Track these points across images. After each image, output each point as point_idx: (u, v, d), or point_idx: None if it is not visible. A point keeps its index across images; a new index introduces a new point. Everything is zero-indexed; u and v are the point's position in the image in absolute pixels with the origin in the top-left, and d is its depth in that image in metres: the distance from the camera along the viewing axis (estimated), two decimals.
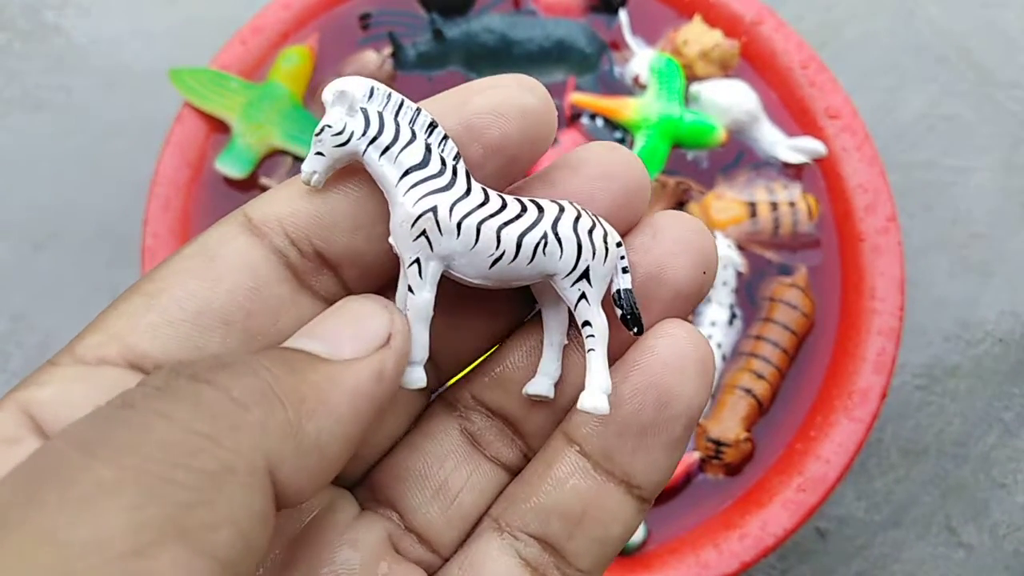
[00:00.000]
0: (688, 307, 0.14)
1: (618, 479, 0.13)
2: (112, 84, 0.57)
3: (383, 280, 0.13)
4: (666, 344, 0.13)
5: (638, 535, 0.39)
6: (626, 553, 0.40)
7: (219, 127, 0.47)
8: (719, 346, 0.43)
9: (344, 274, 0.13)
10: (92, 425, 0.09)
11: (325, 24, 0.50)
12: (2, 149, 0.56)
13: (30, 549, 0.08)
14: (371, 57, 0.48)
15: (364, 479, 0.14)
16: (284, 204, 0.12)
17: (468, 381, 0.14)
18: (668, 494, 0.42)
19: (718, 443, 0.41)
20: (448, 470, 0.14)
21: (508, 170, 0.13)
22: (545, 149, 0.13)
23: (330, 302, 0.13)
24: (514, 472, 0.14)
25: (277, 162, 0.47)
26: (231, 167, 0.46)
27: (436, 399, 0.15)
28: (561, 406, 0.14)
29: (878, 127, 0.50)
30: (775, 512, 0.40)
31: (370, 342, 0.12)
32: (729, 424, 0.41)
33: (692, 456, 0.41)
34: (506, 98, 0.12)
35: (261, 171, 0.47)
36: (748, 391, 0.42)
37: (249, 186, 0.46)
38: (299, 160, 0.46)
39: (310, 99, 0.48)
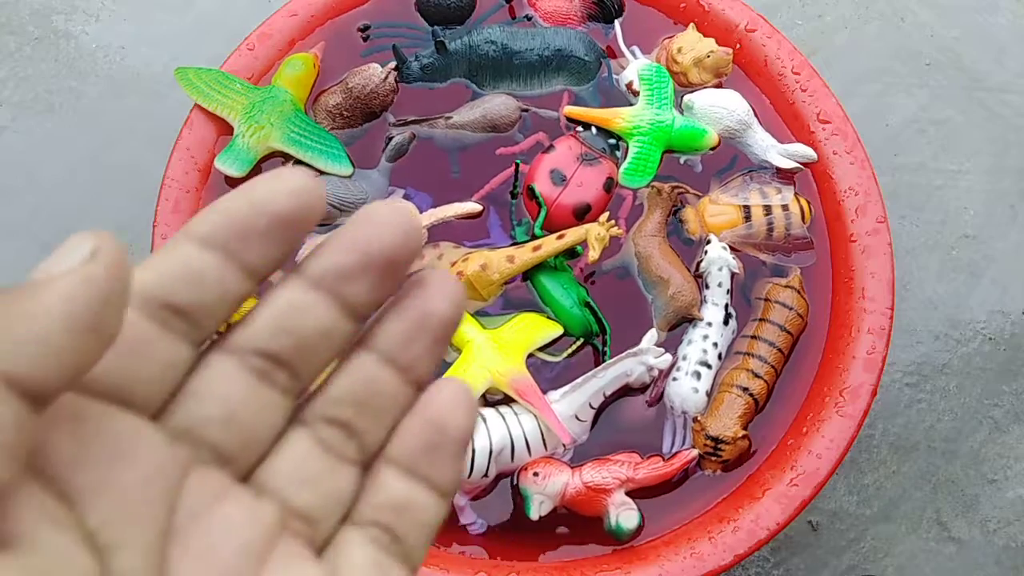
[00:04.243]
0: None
1: (421, 481, 0.17)
2: (121, 88, 0.59)
3: (223, 319, 0.16)
4: (440, 393, 0.17)
5: (632, 523, 0.40)
6: (622, 543, 0.41)
7: (227, 130, 0.48)
8: (715, 346, 0.44)
9: (193, 318, 0.15)
10: None
11: (331, 32, 0.51)
12: (12, 152, 0.57)
13: None
14: (375, 70, 0.48)
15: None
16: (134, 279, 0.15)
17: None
18: (665, 488, 0.43)
19: (716, 440, 0.42)
20: (313, 463, 0.17)
21: (291, 236, 0.15)
22: (319, 216, 0.16)
23: (189, 339, 0.16)
24: (359, 467, 0.17)
25: (276, 165, 0.48)
26: (230, 166, 0.47)
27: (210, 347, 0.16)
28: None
29: (869, 131, 0.51)
30: (768, 506, 0.41)
31: (74, 258, 0.13)
32: (727, 422, 0.42)
33: (691, 453, 0.42)
34: (283, 180, 0.15)
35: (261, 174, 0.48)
36: (745, 390, 0.43)
37: None
38: (298, 163, 0.48)
39: (311, 104, 0.50)
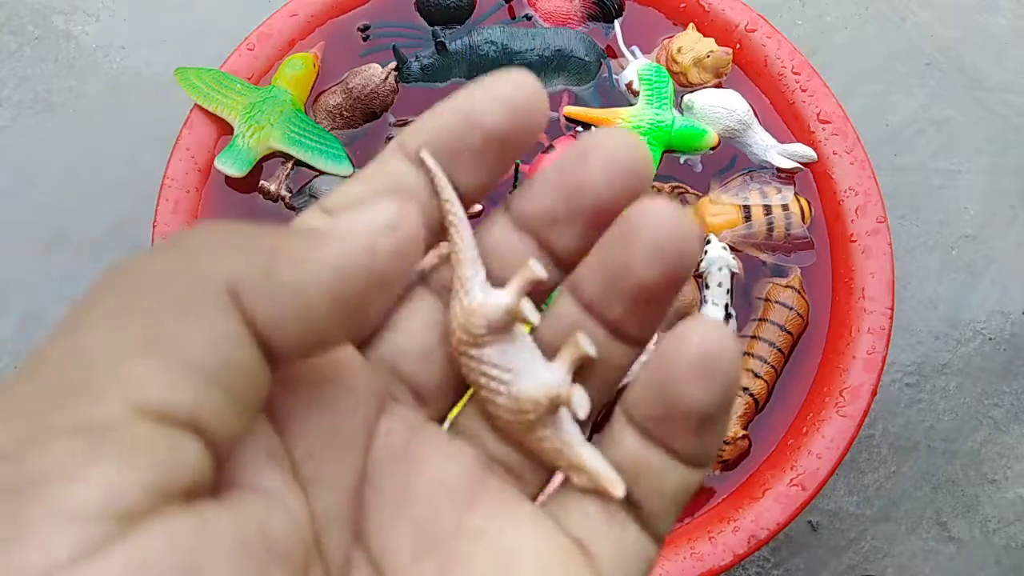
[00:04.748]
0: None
1: (662, 449, 0.14)
2: (121, 88, 0.59)
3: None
4: (673, 345, 0.14)
5: None
6: None
7: (227, 130, 0.48)
8: None
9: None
10: (92, 288, 0.11)
11: (331, 32, 0.51)
12: (13, 152, 0.57)
13: (32, 373, 0.10)
14: (376, 70, 0.48)
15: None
16: (348, 194, 0.15)
17: None
18: None
19: None
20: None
21: (504, 154, 0.14)
22: (537, 135, 0.14)
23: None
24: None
25: (276, 165, 0.48)
26: (230, 165, 0.47)
27: None
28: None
29: (869, 131, 0.51)
30: (768, 506, 0.41)
31: (371, 223, 0.13)
32: None
33: None
34: (500, 92, 0.14)
35: (262, 175, 0.48)
36: (745, 389, 0.43)
37: (250, 187, 0.48)
38: (299, 163, 0.48)
39: (311, 105, 0.50)
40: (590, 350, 0.15)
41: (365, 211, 0.13)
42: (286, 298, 0.11)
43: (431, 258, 0.16)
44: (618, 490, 0.14)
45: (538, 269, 0.15)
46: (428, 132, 0.14)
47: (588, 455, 0.14)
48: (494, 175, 0.15)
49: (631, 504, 0.14)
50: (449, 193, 0.15)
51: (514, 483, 0.15)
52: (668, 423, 0.14)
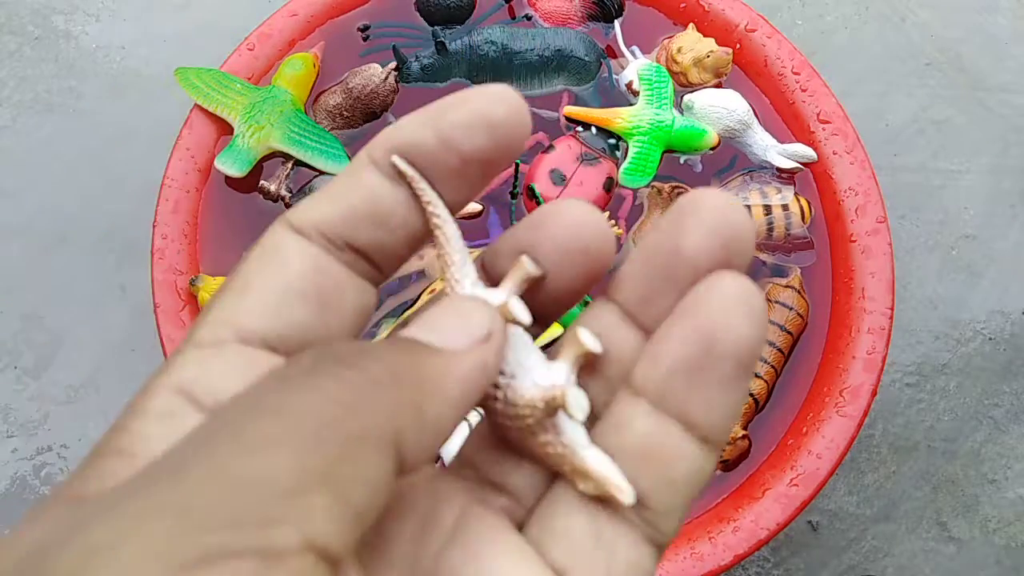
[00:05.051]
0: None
1: (675, 418, 0.14)
2: (121, 88, 0.59)
3: (401, 262, 0.15)
4: (711, 292, 0.13)
5: None
6: None
7: (227, 130, 0.48)
8: None
9: (374, 260, 0.14)
10: (254, 394, 0.11)
11: (330, 32, 0.51)
12: (13, 152, 0.57)
13: (207, 481, 0.10)
14: (376, 70, 0.48)
15: None
16: (315, 211, 0.14)
17: None
18: None
19: None
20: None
21: (485, 174, 0.14)
22: (520, 150, 0.14)
23: (373, 281, 0.15)
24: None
25: (276, 165, 0.48)
26: (230, 166, 0.47)
27: None
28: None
29: (869, 131, 0.51)
30: (768, 506, 0.41)
31: (474, 337, 0.13)
32: None
33: None
34: (478, 110, 0.14)
35: (261, 174, 0.48)
36: None
37: (250, 187, 0.48)
38: (299, 163, 0.48)
39: (311, 104, 0.50)
40: (594, 346, 0.14)
41: (461, 321, 0.13)
42: (432, 434, 0.12)
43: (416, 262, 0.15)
44: (627, 497, 0.13)
45: (531, 266, 0.14)
46: (400, 148, 0.14)
47: (593, 459, 0.14)
48: (475, 191, 0.15)
49: (638, 502, 0.14)
50: (430, 195, 0.14)
51: (505, 504, 0.15)
52: (700, 374, 0.13)
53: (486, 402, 0.14)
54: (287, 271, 0.14)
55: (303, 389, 0.11)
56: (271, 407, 0.11)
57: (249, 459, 0.10)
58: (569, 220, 0.14)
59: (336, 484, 0.10)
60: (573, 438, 0.14)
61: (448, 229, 0.15)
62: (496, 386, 0.14)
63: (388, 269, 0.15)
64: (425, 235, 0.15)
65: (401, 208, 0.14)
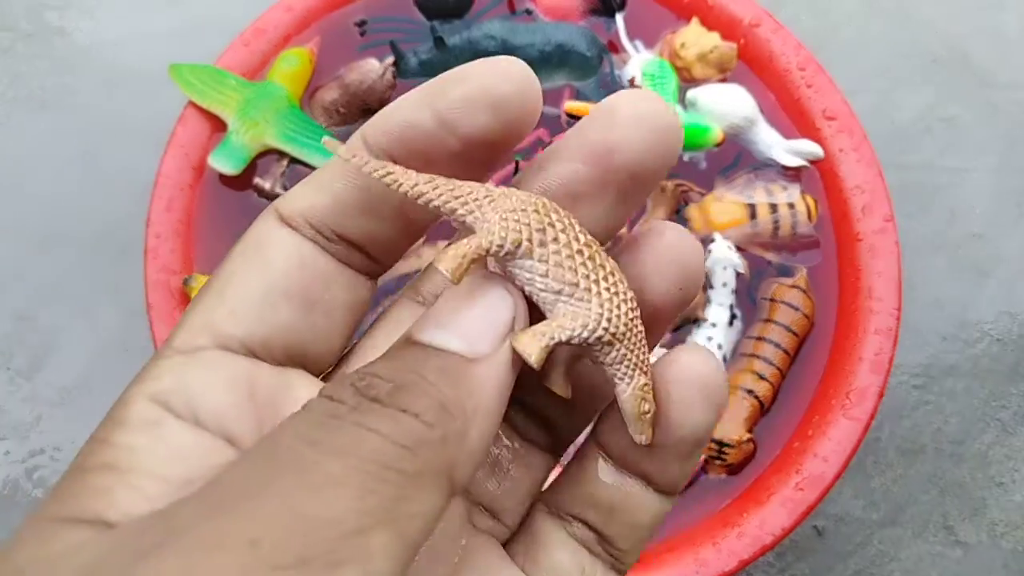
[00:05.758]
0: (666, 324, 0.15)
1: (639, 477, 0.15)
2: (115, 85, 0.58)
3: (400, 253, 0.14)
4: (674, 371, 0.14)
5: None
6: None
7: (221, 127, 0.47)
8: (720, 347, 0.43)
9: (368, 251, 0.14)
10: (311, 427, 0.11)
11: (326, 27, 0.50)
12: (5, 149, 0.56)
13: (276, 517, 0.10)
14: (373, 65, 0.48)
15: None
16: (303, 199, 0.14)
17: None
18: None
19: (720, 444, 0.41)
20: (497, 447, 0.15)
21: (490, 156, 0.13)
22: (528, 130, 0.13)
23: (370, 273, 0.14)
24: (550, 451, 0.16)
25: (271, 162, 0.47)
26: (224, 163, 0.46)
27: None
28: (592, 408, 0.16)
29: (875, 128, 0.50)
30: (773, 510, 0.40)
31: (501, 331, 0.13)
32: (731, 425, 0.41)
33: None
34: (479, 88, 0.12)
35: (256, 172, 0.47)
36: (750, 392, 0.42)
37: (245, 185, 0.47)
38: (294, 161, 0.47)
39: (307, 101, 0.49)
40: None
41: (487, 314, 0.13)
42: (479, 454, 0.12)
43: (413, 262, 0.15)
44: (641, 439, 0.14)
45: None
46: (396, 129, 0.13)
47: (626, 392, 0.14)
48: (479, 176, 0.14)
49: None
50: (399, 175, 0.13)
51: (492, 526, 0.15)
52: (659, 450, 0.14)
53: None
54: (270, 270, 0.13)
55: (359, 430, 0.11)
56: (331, 445, 0.11)
57: (316, 498, 0.10)
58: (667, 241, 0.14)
59: (395, 522, 0.11)
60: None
61: (430, 191, 0.13)
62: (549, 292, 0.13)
63: (386, 260, 0.14)
64: (425, 223, 0.14)
65: (395, 195, 0.13)
